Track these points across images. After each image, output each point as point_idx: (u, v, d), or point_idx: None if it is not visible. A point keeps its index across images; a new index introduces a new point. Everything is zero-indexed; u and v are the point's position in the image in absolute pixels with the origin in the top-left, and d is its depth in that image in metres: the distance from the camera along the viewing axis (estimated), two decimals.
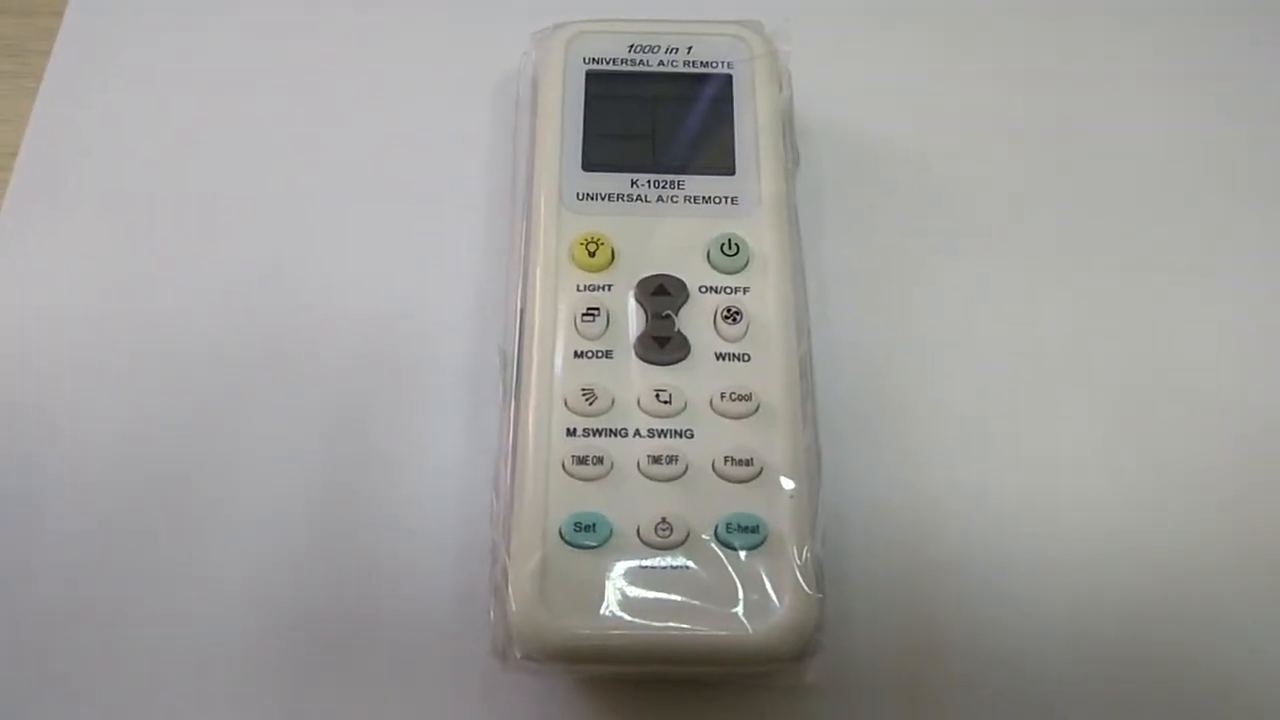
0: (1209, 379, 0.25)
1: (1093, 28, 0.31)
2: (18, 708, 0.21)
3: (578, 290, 0.23)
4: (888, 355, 0.25)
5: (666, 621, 0.20)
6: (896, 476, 0.24)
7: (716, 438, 0.21)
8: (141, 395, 0.25)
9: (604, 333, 0.22)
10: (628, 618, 0.20)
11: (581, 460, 0.21)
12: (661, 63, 0.25)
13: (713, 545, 0.20)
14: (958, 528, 0.23)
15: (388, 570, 0.23)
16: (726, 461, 0.21)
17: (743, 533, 0.20)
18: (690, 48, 0.26)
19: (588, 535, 0.20)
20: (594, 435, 0.21)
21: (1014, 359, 0.26)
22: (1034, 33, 0.30)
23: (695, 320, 0.22)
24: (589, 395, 0.22)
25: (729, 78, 0.25)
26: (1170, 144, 0.29)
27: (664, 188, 0.24)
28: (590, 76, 0.25)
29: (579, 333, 0.22)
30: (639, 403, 0.22)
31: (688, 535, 0.20)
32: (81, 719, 0.21)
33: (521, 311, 0.23)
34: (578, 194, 0.24)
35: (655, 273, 0.23)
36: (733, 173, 0.24)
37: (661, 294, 0.23)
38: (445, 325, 0.25)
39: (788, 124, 0.25)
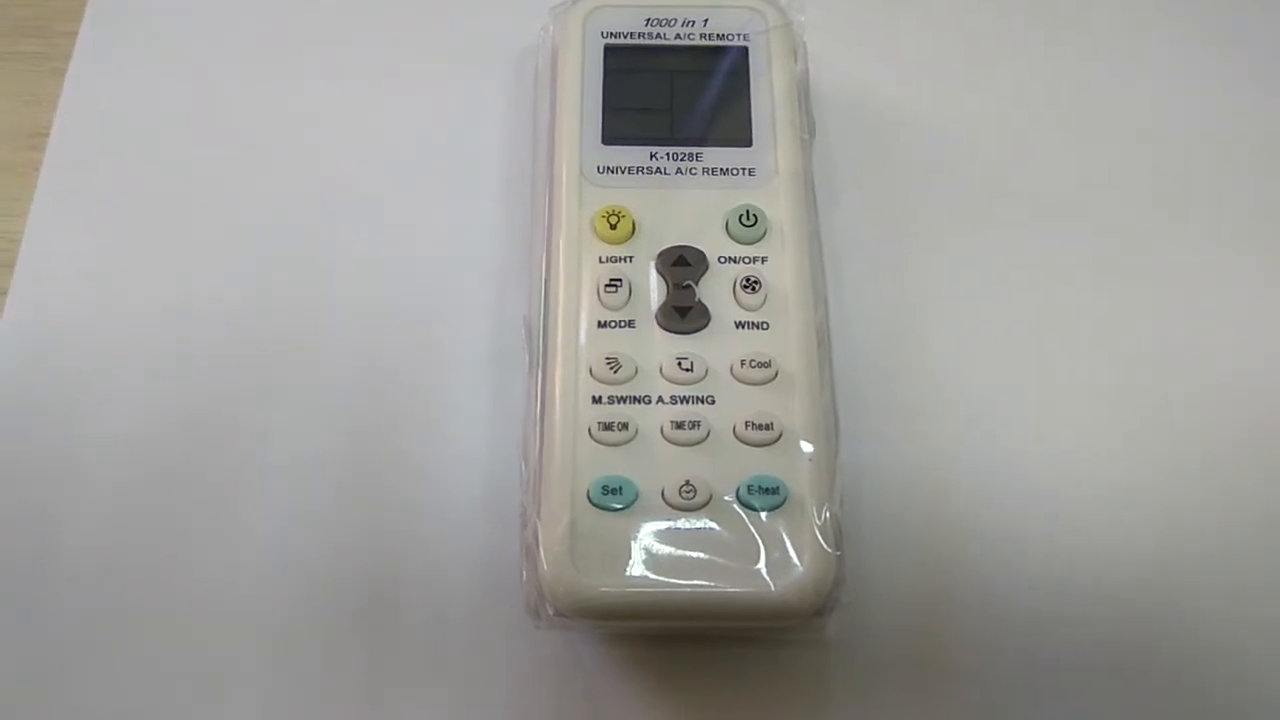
0: (1225, 350, 0.26)
1: None
2: (52, 684, 0.22)
3: (600, 262, 0.23)
4: (903, 322, 0.26)
5: (691, 579, 0.20)
6: (912, 440, 0.25)
7: (737, 403, 0.22)
8: (176, 372, 0.25)
9: (626, 303, 0.23)
10: (654, 576, 0.20)
11: (607, 426, 0.22)
12: (678, 36, 0.26)
13: (735, 506, 0.21)
14: (972, 489, 0.24)
15: (420, 535, 0.23)
16: (747, 426, 0.22)
17: (763, 494, 0.21)
18: (706, 20, 0.26)
19: (615, 498, 0.21)
20: (619, 402, 0.22)
21: (1029, 325, 0.26)
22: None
23: (715, 290, 0.23)
24: (613, 364, 0.22)
25: (745, 50, 0.26)
26: (1194, 112, 0.29)
27: (682, 160, 0.24)
28: (608, 51, 0.26)
29: (602, 303, 0.23)
30: (661, 370, 0.22)
31: (710, 497, 0.21)
32: (122, 688, 0.22)
33: (545, 283, 0.24)
34: (598, 167, 0.24)
35: (675, 244, 0.23)
36: (750, 144, 0.25)
37: (682, 265, 0.23)
38: (469, 297, 0.26)
39: (803, 95, 0.26)
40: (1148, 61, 0.30)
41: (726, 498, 0.21)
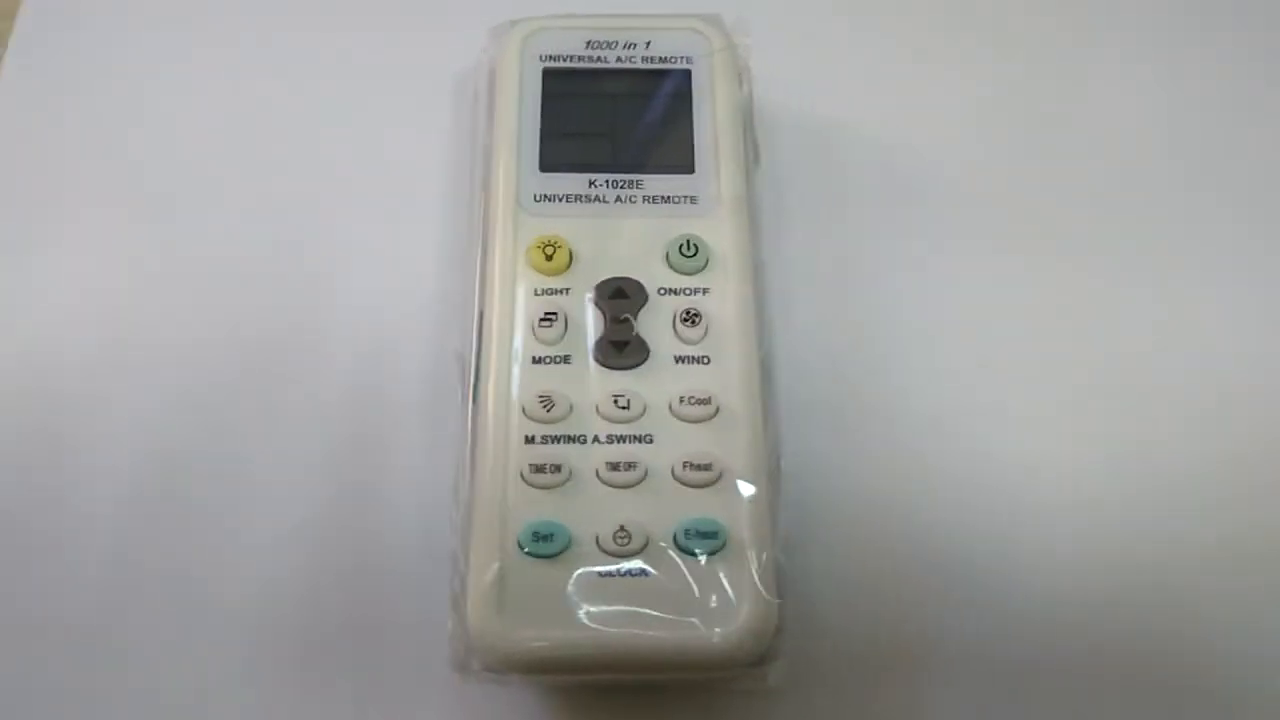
0: (1176, 368, 0.25)
1: (1064, 10, 0.30)
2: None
3: (535, 294, 0.22)
4: (852, 353, 0.25)
5: (626, 629, 0.20)
6: (861, 475, 0.24)
7: (676, 442, 0.21)
8: (104, 414, 0.24)
9: (562, 337, 0.22)
10: (588, 626, 0.20)
11: (539, 469, 0.21)
12: (619, 59, 0.25)
13: (671, 552, 0.20)
14: (923, 526, 0.23)
15: (349, 580, 0.23)
16: (685, 467, 0.21)
17: (702, 538, 0.20)
18: (649, 43, 0.25)
19: (546, 544, 0.20)
20: (552, 442, 0.21)
21: (982, 354, 0.25)
22: (1001, 17, 0.30)
23: (654, 323, 0.22)
24: (547, 402, 0.21)
25: (688, 73, 0.25)
26: (1146, 128, 0.28)
27: (622, 188, 0.24)
28: (547, 74, 0.25)
29: (537, 338, 0.22)
30: (598, 409, 0.21)
31: (647, 542, 0.20)
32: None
33: (479, 316, 0.23)
34: (535, 195, 0.23)
35: (613, 275, 0.23)
36: (692, 171, 0.24)
37: (620, 297, 0.22)
38: (408, 329, 0.25)
39: (748, 120, 0.25)
40: (1106, 75, 0.29)
41: (663, 543, 0.20)
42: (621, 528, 0.20)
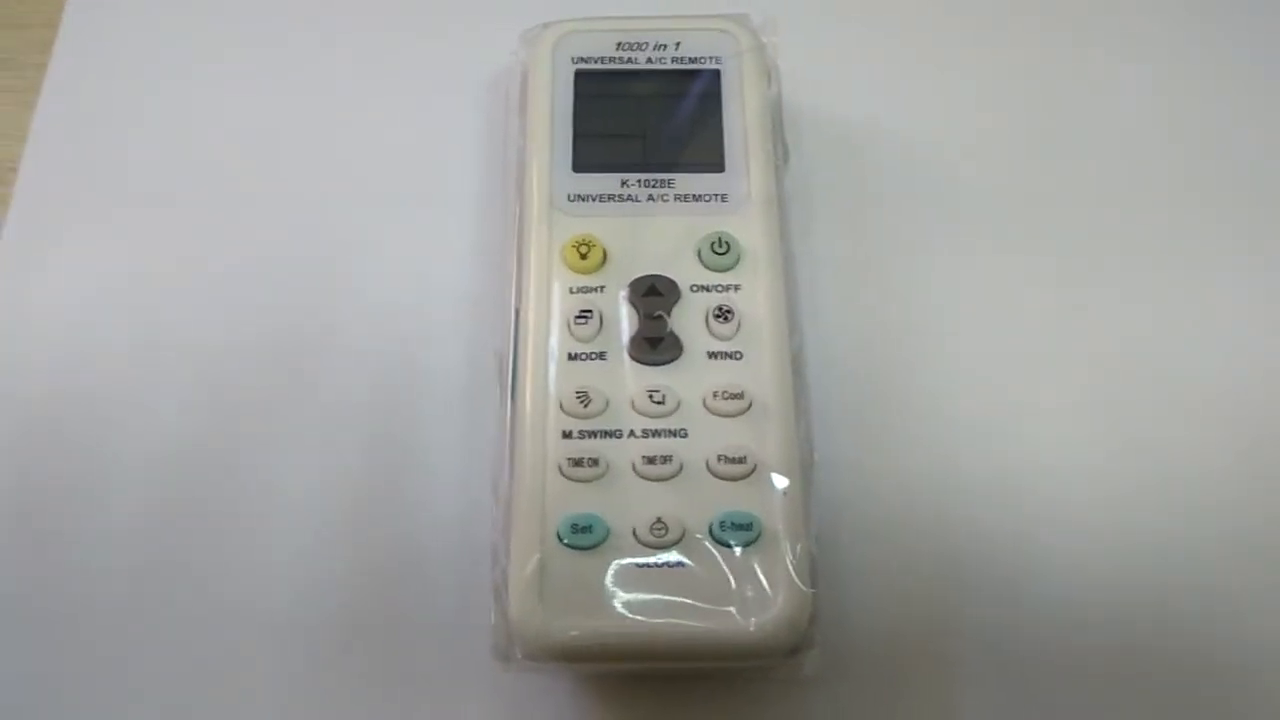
0: (1200, 367, 0.25)
1: (1082, 10, 0.30)
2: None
3: (570, 293, 0.23)
4: (881, 348, 0.25)
5: (664, 619, 0.20)
6: (891, 469, 0.24)
7: (710, 436, 0.21)
8: (137, 409, 0.25)
9: (597, 334, 0.23)
10: (626, 616, 0.20)
11: (577, 462, 0.21)
12: (650, 60, 0.26)
13: (707, 543, 0.21)
14: (952, 518, 0.24)
15: (390, 574, 0.23)
16: (720, 460, 0.21)
17: (737, 530, 0.21)
18: (679, 44, 0.26)
19: (585, 536, 0.21)
20: (589, 437, 0.22)
21: (1008, 348, 0.26)
22: (1024, 17, 0.30)
23: (687, 320, 0.23)
24: (583, 397, 0.22)
25: (717, 73, 0.25)
26: (1167, 128, 0.29)
27: (654, 186, 0.24)
28: (579, 75, 0.25)
29: (572, 335, 0.22)
30: (633, 404, 0.22)
31: (683, 534, 0.21)
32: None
33: (516, 314, 0.23)
34: (569, 195, 0.24)
35: (647, 273, 0.23)
36: (722, 169, 0.24)
37: (653, 294, 0.23)
38: (443, 328, 0.26)
39: (776, 118, 0.25)
40: (1127, 75, 0.29)
41: (699, 535, 0.21)
42: (658, 520, 0.21)
